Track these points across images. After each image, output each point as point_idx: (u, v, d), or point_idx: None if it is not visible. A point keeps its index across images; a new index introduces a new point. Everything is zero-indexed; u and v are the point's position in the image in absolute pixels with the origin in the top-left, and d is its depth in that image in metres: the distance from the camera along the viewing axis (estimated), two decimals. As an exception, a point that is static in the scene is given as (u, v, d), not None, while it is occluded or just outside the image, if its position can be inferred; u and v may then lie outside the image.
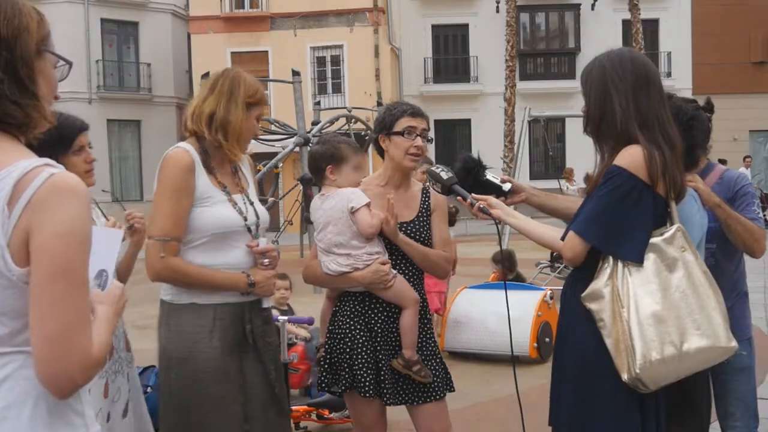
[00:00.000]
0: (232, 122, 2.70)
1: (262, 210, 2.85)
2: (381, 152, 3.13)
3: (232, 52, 26.12)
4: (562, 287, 2.56)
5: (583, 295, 2.36)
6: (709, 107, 3.19)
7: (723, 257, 3.16)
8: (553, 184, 14.87)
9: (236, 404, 2.67)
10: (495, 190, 2.75)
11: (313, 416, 5.04)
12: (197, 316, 2.65)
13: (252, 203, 2.82)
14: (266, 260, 2.74)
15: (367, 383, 2.96)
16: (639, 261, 2.31)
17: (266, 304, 2.80)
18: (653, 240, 2.33)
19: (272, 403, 2.78)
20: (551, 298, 6.91)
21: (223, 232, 2.68)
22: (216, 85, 2.75)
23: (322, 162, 3.06)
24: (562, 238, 2.43)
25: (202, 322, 2.64)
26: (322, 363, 3.08)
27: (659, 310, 2.27)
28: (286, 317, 4.08)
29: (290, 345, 5.48)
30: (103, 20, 27.15)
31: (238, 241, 2.72)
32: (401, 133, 3.01)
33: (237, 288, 2.67)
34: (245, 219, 2.73)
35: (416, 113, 3.06)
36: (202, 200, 2.67)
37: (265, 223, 2.85)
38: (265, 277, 2.72)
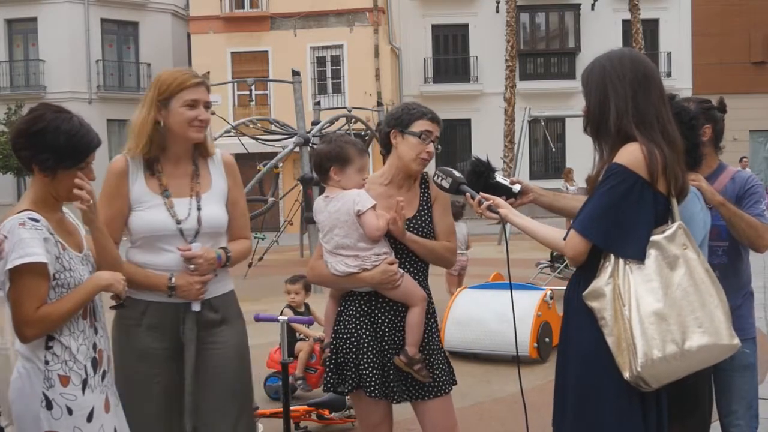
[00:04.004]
0: (132, 123, 2.86)
1: (210, 215, 2.88)
2: (386, 147, 3.10)
3: (232, 52, 26.14)
4: (562, 287, 2.56)
5: (584, 293, 2.36)
6: (722, 107, 3.19)
7: (735, 255, 3.16)
8: (552, 184, 14.86)
9: (160, 388, 2.84)
10: (505, 191, 2.77)
11: (313, 416, 5.04)
12: (131, 307, 2.82)
13: (200, 208, 2.86)
14: (191, 266, 2.80)
15: (374, 383, 2.94)
16: (640, 259, 2.30)
17: (195, 307, 2.85)
18: (654, 237, 2.32)
19: (231, 400, 2.89)
20: (551, 298, 6.90)
21: (152, 235, 2.83)
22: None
23: (327, 162, 3.03)
24: (565, 238, 2.43)
25: (132, 313, 2.84)
26: (327, 363, 3.07)
27: (661, 308, 2.27)
28: (285, 318, 4.06)
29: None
30: (103, 20, 27.18)
31: (171, 244, 2.83)
32: (418, 135, 2.99)
33: (157, 288, 2.82)
34: (178, 223, 2.82)
35: (435, 119, 3.06)
36: (137, 204, 2.85)
37: (213, 228, 2.88)
38: (188, 282, 2.80)
